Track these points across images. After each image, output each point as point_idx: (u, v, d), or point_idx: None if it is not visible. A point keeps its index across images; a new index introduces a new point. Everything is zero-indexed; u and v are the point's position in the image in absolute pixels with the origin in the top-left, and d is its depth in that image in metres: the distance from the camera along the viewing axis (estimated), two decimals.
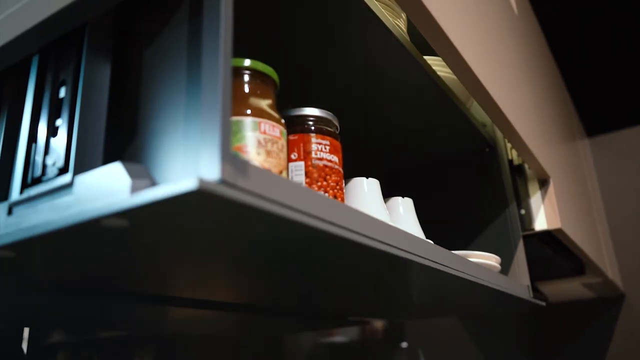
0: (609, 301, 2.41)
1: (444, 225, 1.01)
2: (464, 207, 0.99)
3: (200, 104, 0.35)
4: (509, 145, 1.10)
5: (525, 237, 1.03)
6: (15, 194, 0.39)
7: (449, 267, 0.57)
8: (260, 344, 0.98)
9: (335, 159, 0.50)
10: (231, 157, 0.32)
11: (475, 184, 0.99)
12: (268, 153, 0.42)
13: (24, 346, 0.72)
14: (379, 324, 1.67)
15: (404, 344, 1.73)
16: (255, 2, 0.56)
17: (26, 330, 0.72)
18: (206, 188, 0.30)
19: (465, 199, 0.99)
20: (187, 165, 0.35)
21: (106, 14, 0.42)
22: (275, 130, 0.43)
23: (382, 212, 0.62)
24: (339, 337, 1.49)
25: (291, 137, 0.49)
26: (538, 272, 1.97)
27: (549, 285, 2.08)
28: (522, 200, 1.12)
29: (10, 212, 0.39)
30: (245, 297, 0.71)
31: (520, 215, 1.09)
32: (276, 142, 0.43)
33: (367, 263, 0.50)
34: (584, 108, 2.51)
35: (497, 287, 0.70)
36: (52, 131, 0.39)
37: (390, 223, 0.62)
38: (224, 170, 0.32)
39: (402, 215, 0.67)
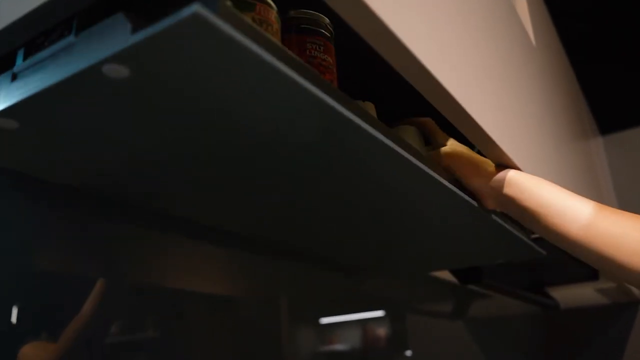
0: (623, 307, 2.36)
1: None
2: None
3: None
4: None
5: (535, 240, 1.02)
6: (19, 62, 0.41)
7: (440, 178, 0.59)
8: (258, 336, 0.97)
9: (329, 59, 0.52)
10: (228, 8, 0.34)
11: None
12: None
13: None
14: (381, 330, 1.65)
15: (409, 353, 1.71)
16: None
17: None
18: (203, 14, 0.32)
19: None
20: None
21: (93, 8, 0.41)
22: (271, 15, 0.45)
23: None
24: (340, 344, 1.48)
25: (286, 37, 0.51)
26: (549, 277, 1.94)
27: (561, 290, 2.05)
28: None
29: (14, 78, 0.41)
30: (243, 221, 0.72)
31: None
32: (271, 25, 0.45)
33: (345, 151, 0.51)
34: (597, 105, 2.47)
35: (494, 218, 0.70)
36: None
37: None
38: (220, 7, 0.33)
39: None
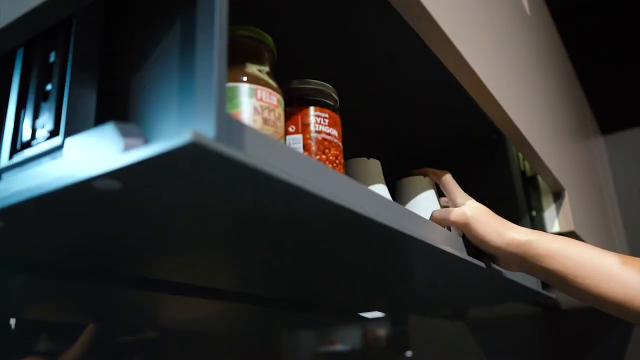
0: None
1: None
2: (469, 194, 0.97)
3: (194, 63, 0.34)
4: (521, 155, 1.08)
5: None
6: (4, 160, 0.38)
7: (451, 249, 0.56)
8: (257, 343, 0.96)
9: (334, 132, 0.49)
10: (226, 116, 0.31)
11: (482, 172, 0.97)
12: (265, 121, 0.41)
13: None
14: (381, 331, 1.64)
15: (409, 353, 1.70)
16: None
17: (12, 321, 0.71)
18: (200, 142, 0.29)
19: (470, 187, 0.98)
20: (181, 125, 0.34)
21: (94, 7, 0.40)
22: (272, 98, 0.42)
23: (382, 192, 0.60)
24: (341, 345, 1.47)
25: (289, 110, 0.48)
26: None
27: None
28: (533, 205, 1.08)
29: None
30: (242, 283, 0.70)
31: (531, 217, 1.05)
32: (273, 110, 0.42)
33: (364, 240, 0.49)
34: (599, 104, 2.43)
35: (504, 274, 0.68)
36: (42, 95, 0.38)
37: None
38: (218, 127, 0.31)
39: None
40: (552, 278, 0.61)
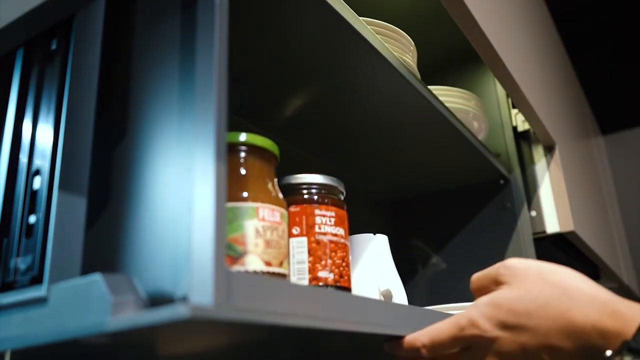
0: None
1: (455, 256, 0.97)
2: (476, 239, 0.96)
3: (193, 191, 0.31)
4: (513, 112, 1.07)
5: (536, 241, 0.99)
6: None
7: None
8: None
9: (340, 231, 0.46)
10: (225, 275, 0.28)
11: (489, 216, 0.96)
12: (267, 243, 0.38)
13: None
14: None
15: None
16: (252, 42, 0.53)
17: None
18: (198, 315, 0.26)
19: (477, 231, 0.96)
20: (175, 276, 0.31)
21: (94, 7, 0.39)
22: (275, 214, 0.39)
23: (390, 270, 0.58)
24: None
25: (292, 209, 0.45)
26: None
27: None
28: (532, 200, 1.07)
29: None
30: None
31: (531, 217, 1.05)
32: (276, 229, 0.39)
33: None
34: (599, 104, 2.42)
35: None
36: (26, 230, 0.35)
37: (396, 279, 0.58)
38: (217, 292, 0.28)
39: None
40: None
